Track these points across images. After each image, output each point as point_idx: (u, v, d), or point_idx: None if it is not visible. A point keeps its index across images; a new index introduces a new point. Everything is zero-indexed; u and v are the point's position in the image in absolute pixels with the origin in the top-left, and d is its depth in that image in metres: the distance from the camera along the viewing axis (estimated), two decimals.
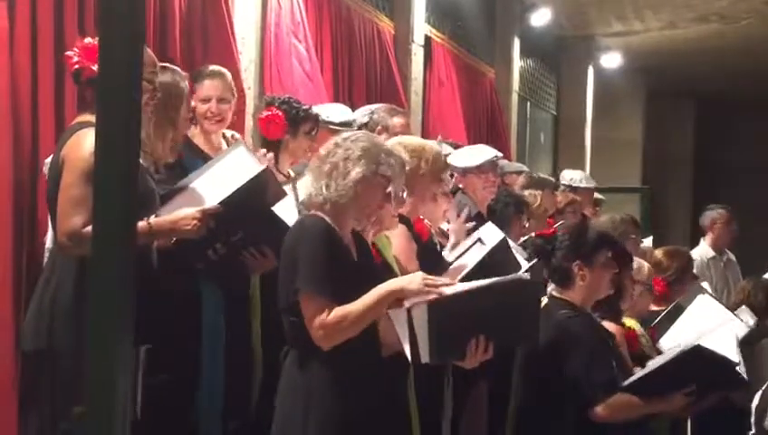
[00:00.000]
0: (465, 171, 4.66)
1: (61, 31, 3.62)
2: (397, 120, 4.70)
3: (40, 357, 2.90)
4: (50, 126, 3.55)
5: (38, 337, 2.89)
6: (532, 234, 4.23)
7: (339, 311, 2.59)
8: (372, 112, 4.70)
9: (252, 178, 3.06)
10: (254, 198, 3.10)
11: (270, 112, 3.85)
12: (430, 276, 2.61)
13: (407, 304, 2.55)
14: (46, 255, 3.16)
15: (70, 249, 2.79)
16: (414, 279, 2.60)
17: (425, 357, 2.58)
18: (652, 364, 3.37)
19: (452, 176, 4.22)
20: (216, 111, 3.72)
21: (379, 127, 4.56)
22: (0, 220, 3.31)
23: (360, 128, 4.28)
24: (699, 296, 4.30)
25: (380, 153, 2.79)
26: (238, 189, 3.03)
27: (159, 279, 3.01)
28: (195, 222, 2.95)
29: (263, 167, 3.11)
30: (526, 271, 3.63)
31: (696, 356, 3.20)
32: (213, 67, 3.87)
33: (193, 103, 3.64)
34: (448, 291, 2.60)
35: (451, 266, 3.49)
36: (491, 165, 4.74)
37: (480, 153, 4.82)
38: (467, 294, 2.59)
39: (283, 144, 3.87)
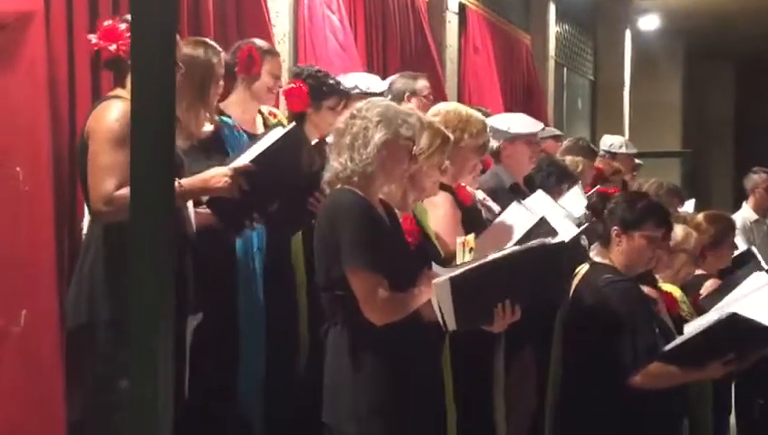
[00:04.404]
0: (517, 138, 4.46)
1: (95, 10, 3.64)
2: (422, 83, 4.66)
3: (82, 332, 2.94)
4: (87, 107, 3.57)
5: (78, 313, 2.93)
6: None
7: (394, 294, 2.61)
8: (391, 83, 4.64)
9: (282, 136, 3.06)
10: (287, 158, 3.09)
11: (294, 85, 3.85)
12: None
13: (437, 279, 2.57)
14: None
15: (106, 215, 2.81)
16: None
17: (451, 325, 2.61)
18: (691, 331, 3.33)
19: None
20: (278, 89, 3.78)
21: (407, 94, 4.52)
22: (41, 202, 3.33)
23: None
24: (756, 274, 4.22)
25: (398, 115, 2.78)
26: (269, 147, 3.04)
27: (196, 251, 3.05)
28: (226, 179, 2.96)
29: (293, 125, 3.11)
30: (576, 236, 3.63)
31: (733, 324, 3.15)
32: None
33: (263, 77, 3.67)
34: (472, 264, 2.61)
35: (492, 226, 3.50)
36: (538, 136, 4.66)
37: (532, 122, 4.67)
38: (490, 265, 2.60)
39: (307, 117, 3.87)
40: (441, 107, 3.63)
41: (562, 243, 2.76)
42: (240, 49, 3.67)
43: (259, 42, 3.81)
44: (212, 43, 3.41)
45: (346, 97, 3.98)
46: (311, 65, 4.30)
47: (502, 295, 2.63)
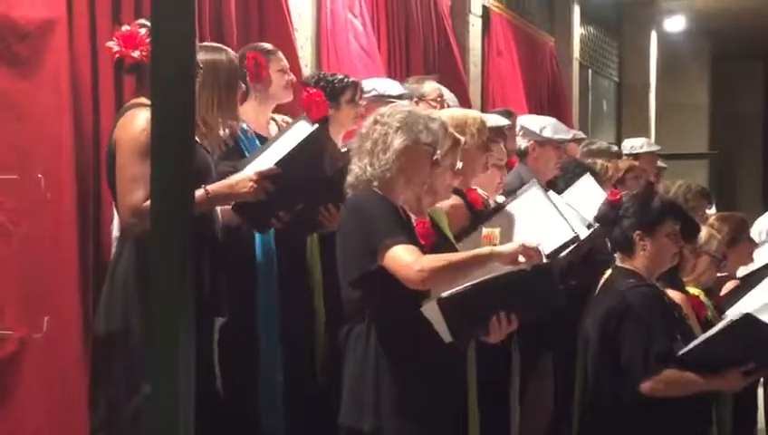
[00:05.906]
0: (546, 142, 4.51)
1: (118, 17, 3.64)
2: (429, 87, 4.67)
3: (113, 339, 2.94)
4: (110, 113, 3.58)
5: (110, 319, 2.94)
6: None
7: (434, 255, 2.63)
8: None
9: (306, 138, 3.09)
10: (311, 159, 3.12)
11: (308, 93, 3.84)
12: (529, 244, 2.61)
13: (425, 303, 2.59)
14: (114, 244, 3.20)
15: (135, 226, 2.83)
16: (511, 246, 2.60)
17: (446, 338, 2.63)
18: (704, 335, 3.24)
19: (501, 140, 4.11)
20: (291, 81, 3.78)
21: (415, 99, 4.51)
22: (63, 208, 3.34)
23: None
24: None
25: (419, 121, 2.78)
26: (293, 150, 3.07)
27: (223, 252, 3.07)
28: (251, 184, 2.98)
29: (316, 126, 3.12)
30: (585, 239, 3.60)
31: (749, 326, 3.04)
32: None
33: (274, 78, 3.69)
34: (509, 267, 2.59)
35: (509, 209, 3.50)
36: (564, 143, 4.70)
37: (564, 128, 4.72)
38: (474, 289, 2.59)
39: (330, 120, 3.87)
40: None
41: (549, 263, 2.75)
42: (245, 59, 3.67)
43: (259, 45, 3.84)
44: (227, 48, 3.42)
45: (359, 88, 4.00)
46: (314, 72, 4.34)
47: (495, 308, 2.64)
